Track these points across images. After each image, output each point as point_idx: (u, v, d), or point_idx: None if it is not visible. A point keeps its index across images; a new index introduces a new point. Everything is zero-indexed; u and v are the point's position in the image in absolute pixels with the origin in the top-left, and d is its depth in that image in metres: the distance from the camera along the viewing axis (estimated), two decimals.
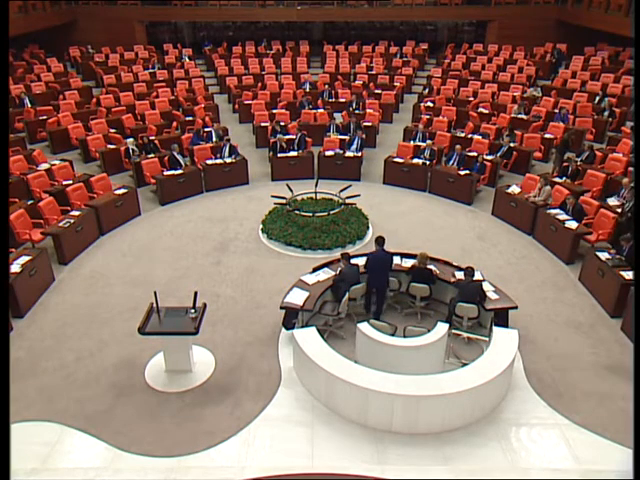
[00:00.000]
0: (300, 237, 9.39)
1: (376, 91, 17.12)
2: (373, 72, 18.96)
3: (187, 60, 20.14)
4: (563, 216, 9.24)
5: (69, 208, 9.69)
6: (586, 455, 5.44)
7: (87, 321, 7.48)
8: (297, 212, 9.80)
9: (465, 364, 6.21)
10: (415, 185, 11.80)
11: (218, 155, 12.09)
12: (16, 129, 14.07)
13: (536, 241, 9.68)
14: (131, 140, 12.40)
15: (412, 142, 13.02)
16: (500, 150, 12.28)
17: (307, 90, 17.16)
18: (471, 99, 16.26)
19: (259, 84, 17.88)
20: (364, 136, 13.22)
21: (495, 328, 6.47)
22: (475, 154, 11.92)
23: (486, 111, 15.10)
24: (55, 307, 7.81)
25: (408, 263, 7.70)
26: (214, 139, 13.15)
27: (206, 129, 13.55)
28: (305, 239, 9.34)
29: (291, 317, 6.98)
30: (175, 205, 11.14)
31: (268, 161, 12.71)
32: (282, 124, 13.84)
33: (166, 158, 11.64)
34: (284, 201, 9.99)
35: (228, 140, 12.39)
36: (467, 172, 11.22)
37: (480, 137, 12.92)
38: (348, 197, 10.05)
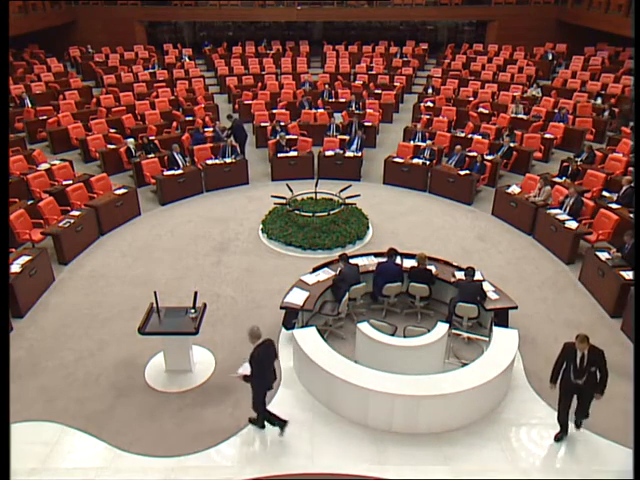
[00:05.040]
0: (300, 237, 9.39)
1: (376, 91, 17.12)
2: (373, 72, 18.98)
3: (187, 60, 20.15)
4: (563, 216, 9.24)
5: (69, 208, 9.68)
6: (586, 455, 5.44)
7: (87, 321, 7.48)
8: (297, 212, 9.80)
9: (465, 364, 6.21)
10: (415, 185, 11.80)
11: (219, 155, 12.07)
12: (16, 129, 14.07)
13: (536, 241, 9.67)
14: (131, 140, 12.41)
15: (412, 142, 13.02)
16: (500, 150, 12.28)
17: (307, 90, 17.17)
18: (471, 99, 16.27)
19: (259, 84, 17.89)
20: (364, 136, 13.22)
21: (495, 328, 6.47)
22: (475, 154, 11.91)
23: (486, 111, 15.11)
24: (55, 307, 7.81)
25: (408, 263, 7.70)
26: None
27: (206, 129, 13.55)
28: (305, 239, 9.34)
29: (291, 317, 6.98)
30: (175, 205, 11.14)
31: (268, 161, 12.72)
32: (282, 124, 13.84)
33: (166, 158, 11.65)
34: (284, 201, 9.99)
35: (228, 136, 12.35)
36: (467, 172, 11.22)
37: (480, 137, 12.92)
38: (348, 197, 10.06)
